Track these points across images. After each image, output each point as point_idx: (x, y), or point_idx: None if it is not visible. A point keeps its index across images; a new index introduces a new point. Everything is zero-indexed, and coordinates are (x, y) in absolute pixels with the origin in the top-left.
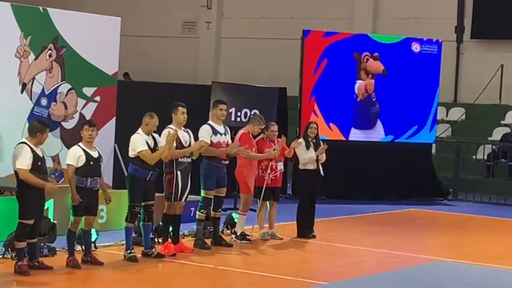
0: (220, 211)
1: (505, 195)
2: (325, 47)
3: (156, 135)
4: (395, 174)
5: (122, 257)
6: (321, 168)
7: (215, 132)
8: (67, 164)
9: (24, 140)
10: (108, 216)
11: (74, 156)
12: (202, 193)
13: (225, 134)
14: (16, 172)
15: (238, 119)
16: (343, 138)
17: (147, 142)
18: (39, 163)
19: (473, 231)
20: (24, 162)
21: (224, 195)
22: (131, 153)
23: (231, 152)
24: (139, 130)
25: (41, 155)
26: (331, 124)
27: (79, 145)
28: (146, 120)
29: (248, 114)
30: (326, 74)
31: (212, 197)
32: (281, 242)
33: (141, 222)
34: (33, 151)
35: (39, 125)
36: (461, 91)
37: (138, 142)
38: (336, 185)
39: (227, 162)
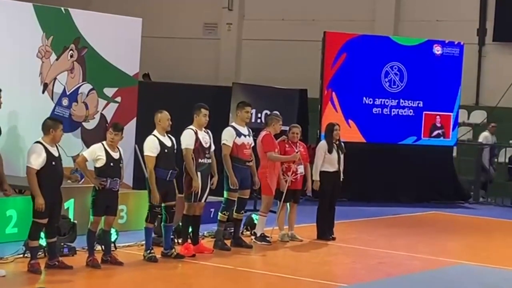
0: (242, 213)
1: None
2: (345, 42)
3: (172, 137)
4: (415, 177)
5: (141, 257)
6: (341, 171)
7: (238, 134)
8: (81, 153)
9: (39, 139)
10: (128, 216)
11: (92, 153)
12: (225, 194)
13: (248, 135)
14: None
15: (259, 120)
16: (363, 140)
17: (163, 144)
18: (53, 163)
19: (494, 234)
20: (34, 160)
21: (247, 196)
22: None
23: None
24: (155, 131)
25: (56, 154)
26: (350, 121)
27: (103, 144)
28: (157, 118)
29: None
30: (345, 68)
31: (235, 199)
32: (301, 243)
33: (162, 223)
34: (47, 150)
35: (50, 121)
36: (482, 94)
37: (149, 146)
38: (356, 187)
39: (251, 163)
